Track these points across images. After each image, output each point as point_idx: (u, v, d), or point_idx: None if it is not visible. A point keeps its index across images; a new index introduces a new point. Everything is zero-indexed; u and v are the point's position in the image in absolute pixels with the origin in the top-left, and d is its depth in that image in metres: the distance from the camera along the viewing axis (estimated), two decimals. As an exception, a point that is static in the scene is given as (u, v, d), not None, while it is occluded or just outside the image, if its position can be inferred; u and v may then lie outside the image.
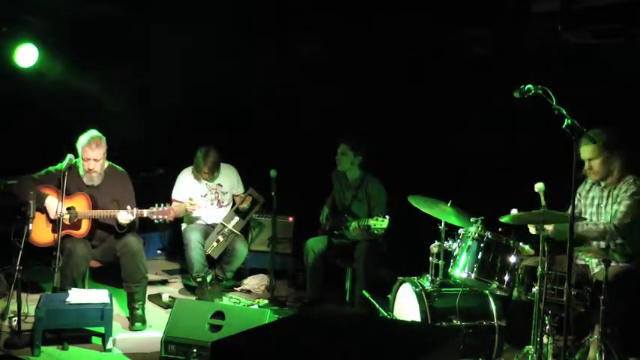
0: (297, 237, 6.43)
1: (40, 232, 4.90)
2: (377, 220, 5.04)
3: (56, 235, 4.88)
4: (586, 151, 4.29)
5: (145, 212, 4.97)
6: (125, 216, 4.89)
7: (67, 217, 4.84)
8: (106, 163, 5.20)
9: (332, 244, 5.72)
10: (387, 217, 5.02)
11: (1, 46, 6.10)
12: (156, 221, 5.05)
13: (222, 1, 6.19)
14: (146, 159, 7.20)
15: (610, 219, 4.28)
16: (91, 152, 4.98)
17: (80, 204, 4.95)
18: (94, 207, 4.98)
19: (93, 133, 5.06)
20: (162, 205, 5.03)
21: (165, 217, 5.01)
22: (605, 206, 4.35)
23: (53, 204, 4.90)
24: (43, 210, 4.90)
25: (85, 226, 5.00)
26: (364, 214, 5.53)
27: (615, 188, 4.31)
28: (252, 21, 6.41)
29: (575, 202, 4.53)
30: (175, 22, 6.33)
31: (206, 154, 5.78)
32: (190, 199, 5.68)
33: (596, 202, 4.43)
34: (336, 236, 5.76)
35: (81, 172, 5.03)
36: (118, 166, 5.27)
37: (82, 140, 5.01)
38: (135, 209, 4.92)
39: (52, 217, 4.90)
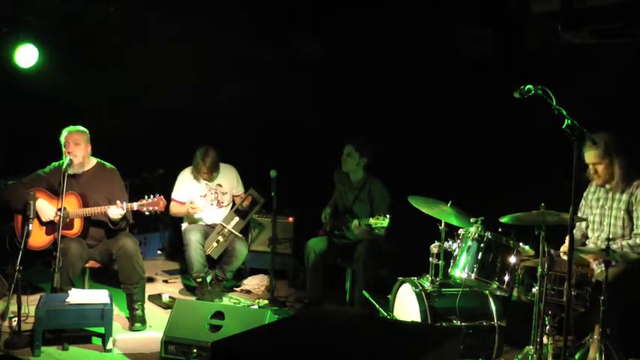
0: (298, 237, 6.42)
1: (34, 236, 4.85)
2: (378, 219, 5.05)
3: (50, 237, 4.90)
4: (590, 155, 4.30)
5: (135, 205, 4.94)
6: (115, 211, 4.87)
7: (57, 218, 4.80)
8: (95, 160, 5.19)
9: (333, 244, 5.72)
10: (388, 216, 5.03)
11: (1, 46, 6.10)
12: (147, 213, 5.00)
13: (224, 0, 6.20)
14: (146, 159, 7.20)
15: (613, 221, 4.29)
16: (70, 136, 4.98)
17: (71, 203, 4.91)
18: (85, 205, 4.95)
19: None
20: (151, 196, 4.98)
21: (156, 208, 4.97)
22: (610, 208, 4.36)
23: (44, 206, 4.89)
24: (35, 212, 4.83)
25: (78, 225, 4.97)
26: (365, 214, 5.52)
27: (624, 192, 4.30)
28: (254, 20, 6.40)
29: (581, 206, 4.56)
30: (175, 22, 6.33)
31: (205, 154, 5.79)
32: (191, 203, 5.69)
33: (601, 203, 4.43)
34: (336, 236, 5.76)
35: (69, 170, 4.91)
36: (106, 163, 5.25)
37: (65, 131, 5.04)
38: (125, 203, 4.88)
39: (44, 219, 4.89)
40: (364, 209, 5.61)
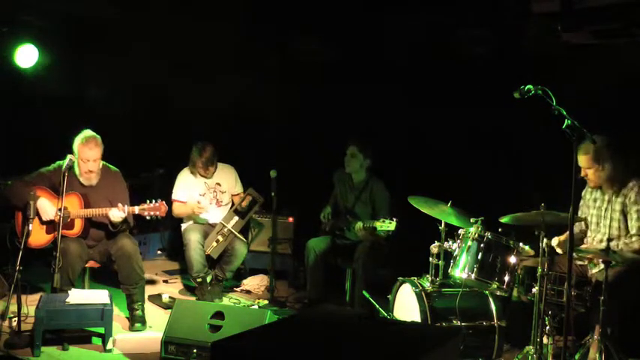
0: (298, 237, 6.42)
1: (34, 235, 4.82)
2: (384, 222, 5.03)
3: (50, 236, 4.89)
4: (581, 160, 4.29)
5: (136, 209, 4.95)
6: (116, 214, 4.87)
7: (58, 217, 4.78)
8: (100, 163, 5.19)
9: (333, 244, 5.72)
10: (395, 219, 5.02)
11: (1, 46, 6.10)
12: (148, 217, 5.01)
13: (226, 2, 6.20)
14: (146, 159, 7.19)
15: (610, 223, 4.30)
16: (90, 152, 4.91)
17: (72, 203, 4.90)
18: (86, 206, 4.94)
19: (89, 133, 4.99)
20: (153, 201, 4.99)
21: (157, 213, 4.97)
22: (606, 210, 4.35)
23: (46, 205, 4.87)
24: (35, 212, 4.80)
25: (78, 225, 4.96)
26: (367, 215, 5.52)
27: (619, 194, 4.30)
28: (254, 21, 6.41)
29: (580, 205, 4.56)
30: (175, 21, 6.33)
31: (202, 149, 5.79)
32: (198, 203, 5.71)
33: (597, 204, 4.42)
34: (337, 236, 5.76)
35: (76, 172, 4.95)
36: (111, 166, 5.24)
37: (80, 141, 4.93)
38: (126, 207, 4.89)
39: (45, 218, 4.87)
40: (365, 210, 5.61)
